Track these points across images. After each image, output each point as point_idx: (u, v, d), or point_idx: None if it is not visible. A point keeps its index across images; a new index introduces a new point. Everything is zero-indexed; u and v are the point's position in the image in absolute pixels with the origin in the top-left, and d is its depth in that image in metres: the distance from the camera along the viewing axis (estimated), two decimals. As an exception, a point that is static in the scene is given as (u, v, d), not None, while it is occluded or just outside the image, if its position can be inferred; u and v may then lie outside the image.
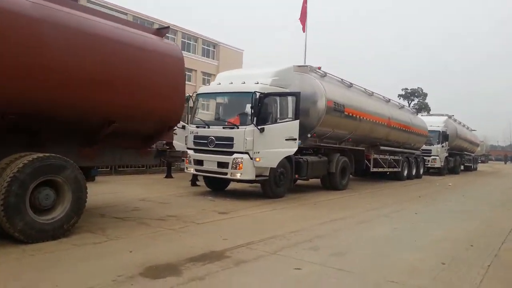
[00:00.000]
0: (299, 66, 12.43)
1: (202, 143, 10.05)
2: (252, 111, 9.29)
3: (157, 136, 7.02)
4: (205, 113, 10.73)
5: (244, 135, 9.37)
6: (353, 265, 4.81)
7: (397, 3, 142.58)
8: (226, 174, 9.64)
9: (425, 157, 22.33)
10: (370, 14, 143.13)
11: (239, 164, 9.39)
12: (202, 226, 6.59)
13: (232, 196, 10.28)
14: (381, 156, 16.58)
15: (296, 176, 11.10)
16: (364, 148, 14.77)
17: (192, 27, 52.00)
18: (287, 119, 9.94)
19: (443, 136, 23.83)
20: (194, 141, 10.28)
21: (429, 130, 22.04)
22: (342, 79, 14.18)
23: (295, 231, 6.45)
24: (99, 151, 6.10)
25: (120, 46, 6.10)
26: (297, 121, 9.76)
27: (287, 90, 10.07)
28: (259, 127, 9.36)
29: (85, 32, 5.59)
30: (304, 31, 21.80)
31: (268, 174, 9.79)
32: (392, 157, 17.52)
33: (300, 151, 11.90)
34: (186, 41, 45.45)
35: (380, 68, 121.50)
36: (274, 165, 9.52)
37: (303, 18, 21.76)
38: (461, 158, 28.90)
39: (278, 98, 10.05)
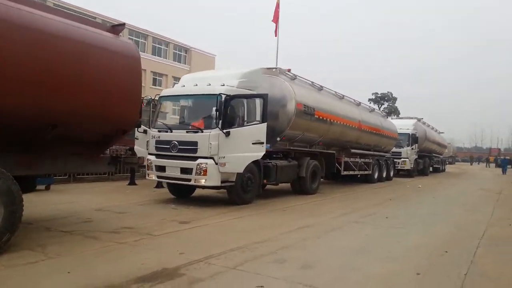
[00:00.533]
0: (268, 68, 12.05)
1: (164, 148, 9.46)
2: (217, 114, 8.78)
3: (109, 141, 6.41)
4: (169, 116, 10.13)
5: (208, 139, 8.85)
6: (323, 280, 4.37)
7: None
8: (190, 180, 9.09)
9: (395, 160, 22.38)
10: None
11: (203, 170, 8.85)
12: (158, 239, 6.01)
13: (197, 203, 9.72)
14: (352, 159, 16.38)
15: (265, 181, 10.66)
16: (334, 152, 14.50)
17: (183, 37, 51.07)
18: (254, 122, 9.48)
19: (413, 139, 24.01)
20: (156, 146, 9.67)
21: (399, 133, 22.13)
22: (312, 82, 13.88)
23: (260, 242, 5.97)
24: (37, 158, 5.43)
25: (65, 42, 5.46)
26: (265, 124, 9.31)
27: (254, 92, 9.61)
28: (224, 130, 8.86)
29: (21, 26, 4.95)
30: (276, 35, 21.82)
31: (234, 180, 9.29)
32: (363, 160, 17.37)
33: (269, 155, 11.51)
34: (157, 45, 44.55)
35: (351, 70, 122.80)
36: (241, 170, 9.04)
37: (275, 21, 21.68)
38: (430, 160, 29.28)
39: (245, 101, 9.58)
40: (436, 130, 31.71)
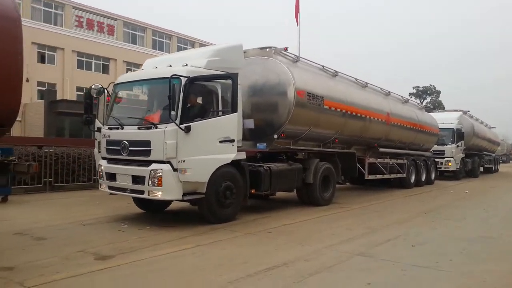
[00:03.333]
0: (260, 48, 9.67)
1: (115, 150, 7.29)
2: (172, 104, 6.46)
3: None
4: (125, 108, 7.92)
5: (163, 137, 6.59)
6: None
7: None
8: (143, 193, 6.86)
9: (437, 159, 19.16)
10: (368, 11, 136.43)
11: (158, 178, 6.60)
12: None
13: (163, 221, 7.55)
14: (380, 160, 13.57)
15: (253, 191, 8.25)
16: (355, 151, 11.79)
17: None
18: (223, 113, 7.05)
19: (458, 135, 20.62)
20: (106, 148, 7.54)
21: (441, 128, 18.94)
22: (323, 66, 11.30)
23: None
24: None
25: None
26: (235, 115, 6.87)
27: (219, 72, 7.17)
28: (183, 125, 6.56)
29: None
30: (298, 25, 20.54)
31: (205, 191, 6.97)
32: (394, 160, 14.48)
33: (268, 156, 9.17)
34: (158, 39, 41.02)
35: (384, 66, 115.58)
36: (205, 179, 6.68)
37: (296, 13, 20.50)
38: (480, 159, 25.42)
39: (218, 87, 7.23)
40: (486, 125, 27.77)
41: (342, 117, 10.91)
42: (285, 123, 9.10)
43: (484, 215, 9.25)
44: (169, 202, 8.30)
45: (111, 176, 7.36)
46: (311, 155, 10.25)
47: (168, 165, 6.59)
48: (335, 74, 11.63)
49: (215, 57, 7.42)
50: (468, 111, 23.95)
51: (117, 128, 7.36)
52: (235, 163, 7.63)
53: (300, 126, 9.60)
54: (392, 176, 14.31)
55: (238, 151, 7.68)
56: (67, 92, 30.87)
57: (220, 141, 6.65)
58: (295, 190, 10.02)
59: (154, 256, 5.19)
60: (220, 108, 7.01)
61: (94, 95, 7.76)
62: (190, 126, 6.56)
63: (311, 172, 9.68)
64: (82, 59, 33.36)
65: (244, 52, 9.72)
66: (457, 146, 20.49)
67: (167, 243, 5.92)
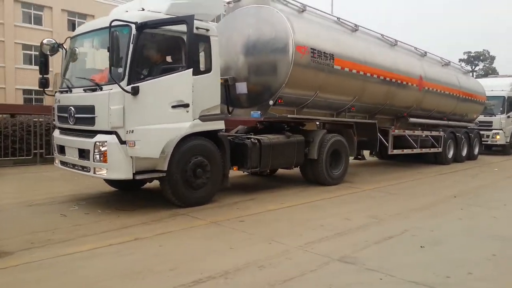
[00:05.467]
0: (255, -7, 8.01)
1: (64, 118, 6.11)
2: (113, 59, 5.06)
3: None
4: (81, 67, 6.59)
5: (108, 101, 5.30)
6: None
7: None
8: (89, 170, 5.66)
9: (483, 132, 16.76)
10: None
11: (103, 153, 5.36)
12: None
13: (129, 202, 6.42)
14: (410, 132, 11.67)
15: (234, 168, 6.87)
16: (375, 121, 9.99)
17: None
18: (178, 70, 5.52)
19: (510, 104, 17.94)
20: (58, 115, 6.38)
21: (489, 96, 16.45)
22: (339, 19, 9.49)
23: None
24: None
25: None
26: (190, 71, 5.32)
27: (171, 16, 5.63)
28: (131, 85, 5.22)
29: None
30: None
31: (165, 168, 5.67)
32: (428, 132, 12.49)
33: (270, 128, 7.91)
34: None
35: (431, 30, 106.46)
36: (155, 154, 5.31)
37: None
38: (536, 131, 22.39)
39: (178, 36, 5.75)
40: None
41: (359, 80, 9.14)
42: (282, 87, 7.53)
43: (531, 202, 7.36)
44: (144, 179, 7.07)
45: (61, 149, 6.22)
46: (317, 125, 8.67)
47: (114, 136, 5.32)
48: (354, 28, 9.79)
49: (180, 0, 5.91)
50: (524, 76, 20.89)
51: (67, 92, 6.14)
52: (212, 134, 6.29)
53: (302, 90, 7.99)
54: (425, 150, 12.36)
55: (217, 119, 6.33)
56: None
57: (173, 106, 5.22)
58: (299, 166, 8.54)
59: (62, 255, 3.98)
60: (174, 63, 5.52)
61: (48, 53, 6.55)
62: (137, 87, 5.20)
63: (315, 146, 8.11)
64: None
65: (238, 1, 8.25)
66: (508, 116, 17.83)
67: (101, 234, 4.72)
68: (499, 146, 18.30)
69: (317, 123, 9.65)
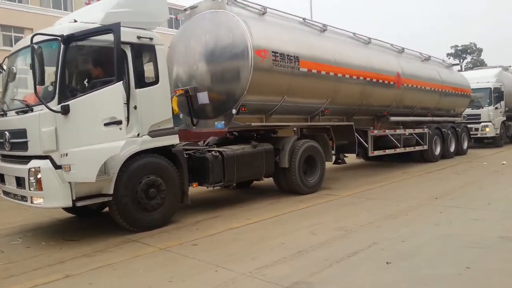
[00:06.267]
0: (213, -1, 7.58)
1: (1, 144, 5.61)
2: (36, 77, 4.56)
3: None
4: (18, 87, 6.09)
5: (38, 123, 4.82)
6: None
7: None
8: (26, 199, 5.16)
9: (471, 125, 16.32)
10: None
11: (38, 180, 4.86)
12: None
13: (80, 230, 5.88)
14: (391, 132, 11.22)
15: (194, 185, 6.39)
16: (352, 123, 9.53)
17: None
18: (109, 83, 4.91)
19: (497, 95, 17.55)
20: (-3, 141, 5.89)
21: (474, 89, 16.07)
22: (305, 19, 9.06)
23: None
24: None
25: None
26: (119, 84, 4.82)
27: (97, 25, 5.13)
28: (61, 105, 4.74)
29: None
30: None
31: (111, 192, 5.17)
32: (411, 130, 12.04)
33: (240, 138, 7.49)
34: None
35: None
36: (91, 178, 4.79)
37: None
38: (526, 121, 21.97)
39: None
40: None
41: (331, 82, 8.69)
42: (244, 94, 7.06)
43: (517, 199, 6.88)
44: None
45: (2, 178, 5.72)
46: (295, 131, 8.22)
47: (48, 161, 4.83)
48: (323, 29, 9.35)
49: (121, 8, 5.45)
50: (510, 66, 20.59)
51: (2, 115, 5.66)
52: (167, 150, 5.81)
53: (267, 95, 7.53)
54: (409, 149, 11.89)
55: (169, 134, 5.86)
56: None
57: (105, 124, 4.72)
58: (272, 176, 8.06)
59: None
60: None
61: (-11, 71, 6.08)
62: (68, 105, 4.72)
63: (286, 153, 7.64)
64: None
65: (195, 8, 7.85)
66: (496, 108, 17.45)
67: (31, 273, 4.21)
68: (490, 139, 17.90)
69: (294, 129, 9.23)
